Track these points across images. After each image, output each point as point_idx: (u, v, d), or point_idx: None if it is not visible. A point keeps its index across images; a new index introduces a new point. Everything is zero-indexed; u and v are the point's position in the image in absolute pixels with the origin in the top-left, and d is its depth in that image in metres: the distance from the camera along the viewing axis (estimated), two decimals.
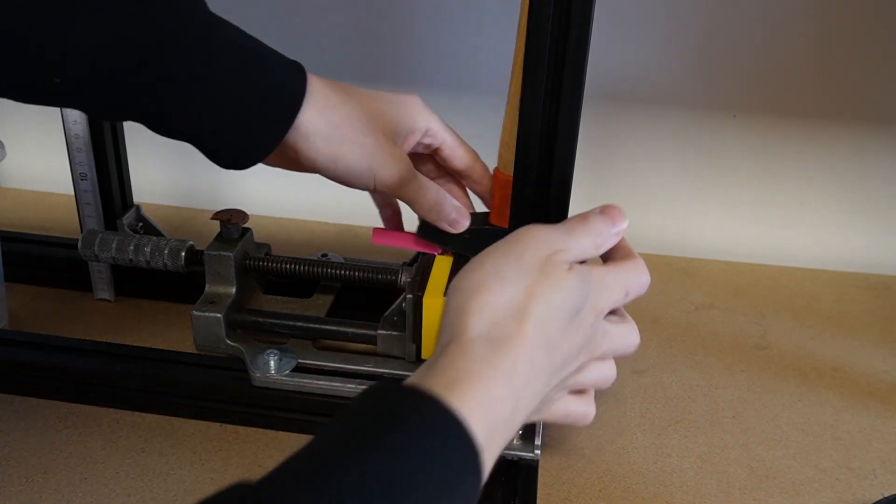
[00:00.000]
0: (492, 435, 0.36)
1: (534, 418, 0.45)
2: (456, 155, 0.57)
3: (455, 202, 0.56)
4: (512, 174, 0.51)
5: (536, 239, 0.42)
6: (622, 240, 0.47)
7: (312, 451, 0.33)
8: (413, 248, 0.61)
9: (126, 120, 0.48)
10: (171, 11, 0.44)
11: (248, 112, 0.48)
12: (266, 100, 0.48)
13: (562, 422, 0.46)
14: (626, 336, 0.46)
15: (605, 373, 0.46)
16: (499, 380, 0.37)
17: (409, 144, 0.55)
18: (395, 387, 0.36)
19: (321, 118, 0.50)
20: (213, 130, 0.48)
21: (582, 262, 0.43)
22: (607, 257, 0.47)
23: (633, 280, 0.45)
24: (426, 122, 0.55)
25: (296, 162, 0.52)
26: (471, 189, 0.59)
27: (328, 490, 0.30)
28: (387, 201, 0.61)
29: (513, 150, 0.50)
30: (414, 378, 0.38)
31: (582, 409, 0.47)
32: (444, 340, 0.40)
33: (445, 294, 0.43)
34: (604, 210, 0.46)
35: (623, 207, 0.46)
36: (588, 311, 0.42)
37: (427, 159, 0.58)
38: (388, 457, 0.32)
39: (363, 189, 0.53)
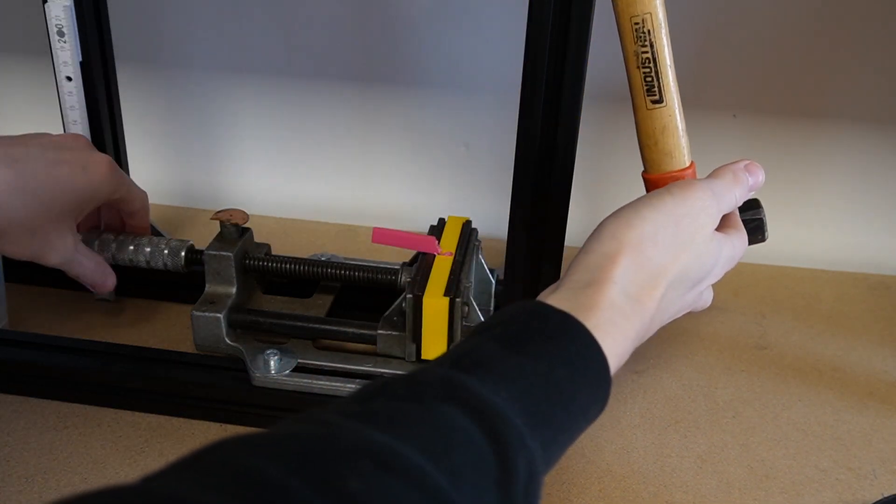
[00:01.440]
0: (612, 376, 0.40)
1: None
2: (133, 202, 0.62)
3: (107, 270, 0.62)
4: (657, 174, 0.51)
5: (699, 206, 0.45)
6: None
7: (482, 350, 0.37)
8: (413, 248, 0.61)
9: None
10: None
11: None
12: None
13: None
14: (709, 298, 0.52)
15: (706, 300, 0.51)
16: (630, 336, 0.41)
17: (84, 213, 0.58)
18: (548, 308, 0.40)
19: None
20: None
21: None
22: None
23: (741, 252, 0.49)
24: (108, 195, 0.58)
25: None
26: (127, 220, 0.64)
27: (504, 387, 0.35)
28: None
29: (651, 149, 0.50)
30: (558, 304, 0.40)
31: None
32: (585, 277, 0.42)
33: (590, 238, 0.45)
34: (747, 167, 0.49)
35: None
36: (707, 281, 0.47)
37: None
38: (547, 365, 0.37)
39: None
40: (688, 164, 0.50)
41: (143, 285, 0.71)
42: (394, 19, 0.78)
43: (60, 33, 0.61)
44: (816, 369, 0.67)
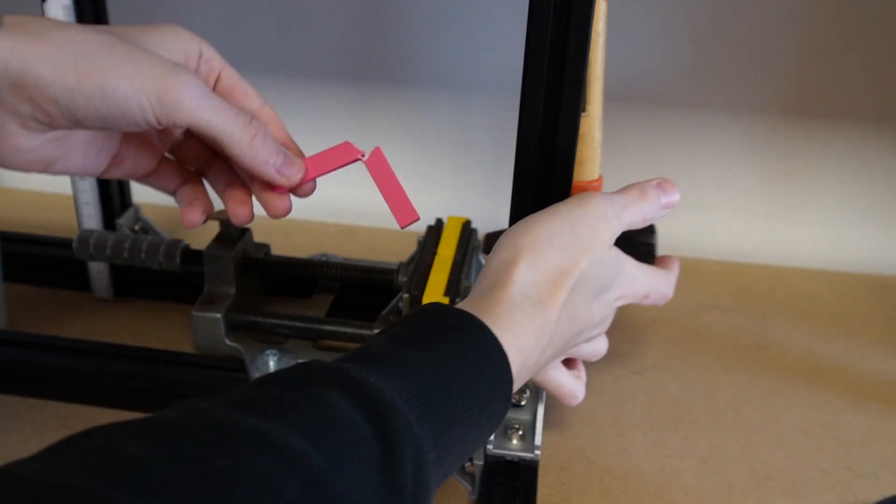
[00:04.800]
0: (517, 375, 0.40)
1: (535, 378, 0.47)
2: (241, 87, 0.44)
3: (276, 143, 0.42)
4: (584, 180, 0.51)
5: (595, 213, 0.45)
6: (669, 254, 0.52)
7: (380, 346, 0.37)
8: (336, 164, 0.51)
9: None
10: None
11: None
12: None
13: (552, 392, 0.49)
14: (603, 347, 0.50)
15: (601, 347, 0.50)
16: (531, 332, 0.41)
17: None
18: (449, 307, 0.41)
19: (52, 48, 0.36)
20: None
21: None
22: (656, 263, 0.51)
23: (657, 288, 0.49)
24: (198, 47, 0.43)
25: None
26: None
27: (395, 378, 0.35)
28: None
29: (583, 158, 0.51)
30: (462, 307, 0.41)
31: (571, 388, 0.49)
32: (487, 284, 0.43)
33: (494, 249, 0.45)
34: (660, 184, 0.48)
35: None
36: (612, 293, 0.46)
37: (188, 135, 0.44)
38: (442, 358, 0.37)
39: (137, 129, 0.38)
40: (596, 176, 0.52)
41: (142, 285, 0.71)
42: (394, 19, 0.78)
43: None
44: (817, 369, 0.67)
